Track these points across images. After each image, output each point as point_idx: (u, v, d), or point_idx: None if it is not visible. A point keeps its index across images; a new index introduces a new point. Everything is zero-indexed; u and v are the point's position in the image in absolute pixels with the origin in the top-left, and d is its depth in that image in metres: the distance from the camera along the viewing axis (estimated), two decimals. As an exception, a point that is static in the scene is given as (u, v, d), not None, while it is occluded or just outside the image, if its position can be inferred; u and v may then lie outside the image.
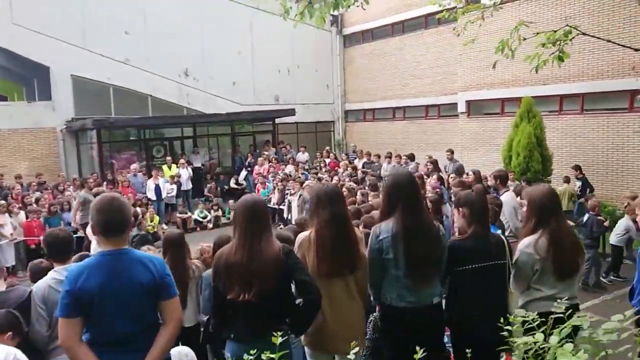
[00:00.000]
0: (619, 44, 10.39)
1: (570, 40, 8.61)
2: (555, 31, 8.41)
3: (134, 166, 14.48)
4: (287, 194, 12.82)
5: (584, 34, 9.38)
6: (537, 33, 7.75)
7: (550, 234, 3.20)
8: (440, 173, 10.07)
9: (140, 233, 7.93)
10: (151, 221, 12.32)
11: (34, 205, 10.62)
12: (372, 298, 3.36)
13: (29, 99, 20.80)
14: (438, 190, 8.03)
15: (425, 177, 9.50)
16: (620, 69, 13.26)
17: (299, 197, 10.44)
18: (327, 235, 3.07)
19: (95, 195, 9.39)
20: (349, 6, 7.32)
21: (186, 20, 18.99)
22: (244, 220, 2.93)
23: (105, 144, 16.49)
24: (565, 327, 1.82)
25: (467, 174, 9.76)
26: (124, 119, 17.10)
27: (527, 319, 1.96)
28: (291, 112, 18.23)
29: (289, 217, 11.14)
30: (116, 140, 17.66)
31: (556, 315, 2.95)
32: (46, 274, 4.63)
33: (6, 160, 16.48)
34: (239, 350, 2.89)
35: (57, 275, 3.76)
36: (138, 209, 9.62)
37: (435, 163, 11.06)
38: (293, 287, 2.92)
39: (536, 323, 1.90)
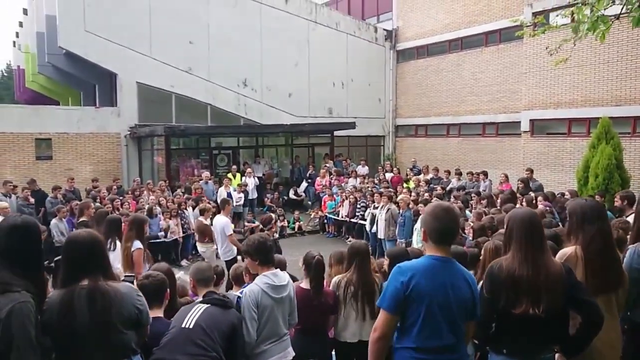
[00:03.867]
0: None
1: None
2: None
3: (205, 174, 14.64)
4: (361, 206, 12.80)
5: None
6: None
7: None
8: (531, 193, 9.92)
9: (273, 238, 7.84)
10: (227, 229, 12.42)
11: (122, 209, 10.76)
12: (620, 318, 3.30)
13: (87, 104, 21.30)
14: (548, 209, 7.94)
15: (519, 195, 9.39)
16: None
17: (387, 211, 10.39)
18: (595, 250, 3.05)
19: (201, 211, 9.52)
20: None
21: (247, 31, 19.29)
22: (523, 234, 2.90)
23: (173, 151, 16.74)
24: None
25: (563, 194, 9.63)
26: (194, 126, 17.34)
27: None
28: (351, 125, 18.30)
29: (375, 231, 11.06)
30: (182, 147, 17.92)
31: None
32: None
33: (72, 163, 16.81)
34: None
35: (268, 279, 3.77)
36: (272, 215, 9.69)
37: (526, 182, 10.92)
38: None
39: None
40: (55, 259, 8.70)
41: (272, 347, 3.81)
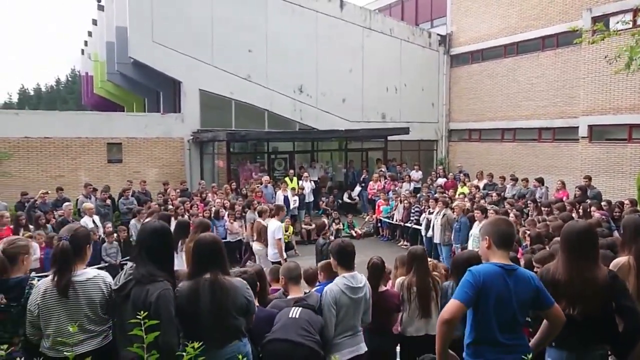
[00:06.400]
0: None
1: None
2: None
3: (265, 178, 15.31)
4: (415, 211, 13.11)
5: None
6: None
7: None
8: (588, 200, 9.96)
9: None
10: (286, 231, 13.01)
11: (191, 211, 11.54)
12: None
13: (151, 110, 22.51)
14: (605, 217, 8.02)
15: (577, 204, 9.46)
16: None
17: (443, 216, 10.68)
18: None
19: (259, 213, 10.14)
20: None
21: (303, 39, 19.91)
22: (566, 246, 3.29)
23: (232, 155, 17.55)
24: None
25: (623, 203, 9.62)
26: (254, 132, 18.13)
27: None
28: (404, 130, 18.57)
29: (431, 236, 11.35)
30: (240, 151, 18.74)
31: None
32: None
33: (140, 166, 17.91)
34: (560, 356, 3.24)
35: (347, 281, 4.20)
36: (325, 220, 10.19)
37: (584, 190, 10.92)
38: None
39: None
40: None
41: (347, 340, 4.25)
